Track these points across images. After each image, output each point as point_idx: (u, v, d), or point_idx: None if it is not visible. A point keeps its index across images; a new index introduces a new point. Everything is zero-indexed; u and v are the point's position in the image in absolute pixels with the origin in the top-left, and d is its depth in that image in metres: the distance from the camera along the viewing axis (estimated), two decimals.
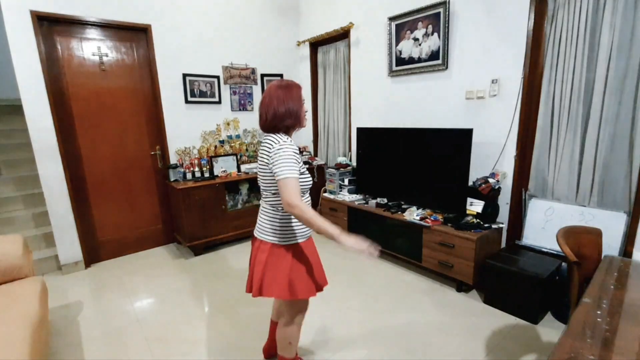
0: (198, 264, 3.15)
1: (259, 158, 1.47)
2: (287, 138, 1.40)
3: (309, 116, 4.39)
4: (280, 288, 1.43)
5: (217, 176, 3.45)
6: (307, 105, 4.38)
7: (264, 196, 1.52)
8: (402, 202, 3.06)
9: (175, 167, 3.37)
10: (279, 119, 1.41)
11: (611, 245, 2.09)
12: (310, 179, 1.51)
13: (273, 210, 1.48)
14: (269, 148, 1.38)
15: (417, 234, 2.67)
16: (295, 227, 1.48)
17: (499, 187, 2.54)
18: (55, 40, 2.83)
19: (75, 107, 2.97)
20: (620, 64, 2.02)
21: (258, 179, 1.51)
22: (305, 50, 4.20)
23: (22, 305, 1.69)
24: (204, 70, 3.59)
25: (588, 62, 2.14)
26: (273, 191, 1.44)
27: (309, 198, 1.54)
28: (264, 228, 1.50)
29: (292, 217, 1.46)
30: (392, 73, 3.23)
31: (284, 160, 1.32)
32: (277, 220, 1.47)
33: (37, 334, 1.55)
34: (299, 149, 4.17)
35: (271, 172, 1.38)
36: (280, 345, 1.62)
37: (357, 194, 3.50)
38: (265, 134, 1.46)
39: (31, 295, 1.81)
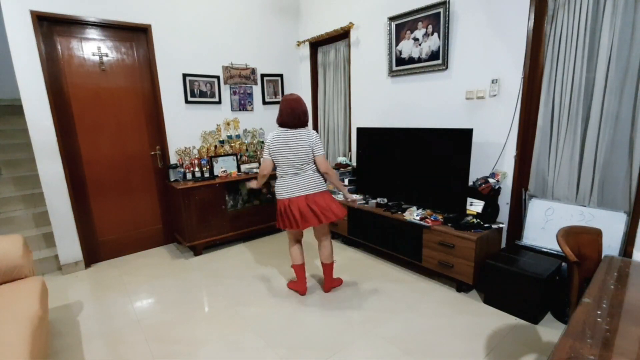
0: (198, 264, 3.15)
1: (296, 145, 2.29)
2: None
3: (308, 116, 4.41)
4: (340, 210, 2.37)
5: (217, 176, 3.45)
6: (307, 105, 4.38)
7: (306, 169, 2.33)
8: (402, 202, 3.06)
9: (175, 167, 3.37)
10: (307, 118, 2.36)
11: (611, 245, 2.09)
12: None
13: (317, 173, 2.38)
14: (310, 136, 2.32)
15: (417, 234, 2.67)
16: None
17: (499, 187, 2.54)
18: (55, 40, 2.83)
19: (75, 107, 2.98)
20: (620, 64, 2.02)
21: (291, 160, 2.29)
22: (305, 50, 4.21)
23: (22, 305, 1.69)
24: (204, 70, 3.59)
25: (588, 62, 2.14)
26: (310, 162, 2.34)
27: None
28: (319, 184, 2.38)
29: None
30: (392, 73, 3.23)
31: (320, 143, 2.36)
32: (321, 178, 2.41)
33: (37, 334, 1.55)
34: None
35: (312, 151, 2.32)
36: (330, 255, 2.54)
37: (357, 194, 3.49)
38: (294, 129, 2.31)
39: (31, 295, 1.81)
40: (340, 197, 3.07)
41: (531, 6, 2.28)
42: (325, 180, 2.44)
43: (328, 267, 2.55)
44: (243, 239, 3.67)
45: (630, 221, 2.07)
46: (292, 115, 2.28)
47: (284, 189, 2.34)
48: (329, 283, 2.59)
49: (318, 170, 2.38)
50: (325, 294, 2.54)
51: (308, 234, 3.28)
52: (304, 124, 2.33)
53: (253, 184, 2.54)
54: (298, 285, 2.55)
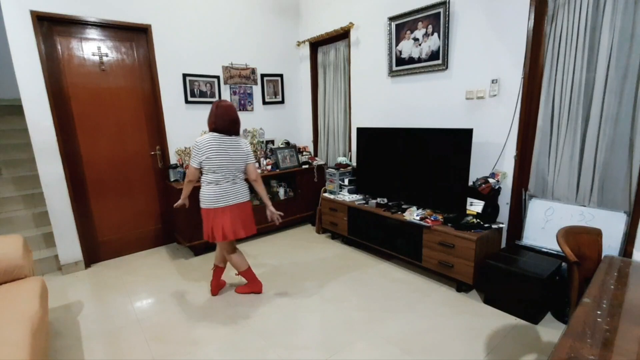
0: (198, 264, 3.15)
1: (234, 152, 2.26)
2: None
3: (308, 116, 4.41)
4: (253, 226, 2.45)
5: None
6: (307, 105, 4.39)
7: (239, 177, 2.32)
8: (402, 202, 3.06)
9: (175, 167, 3.37)
10: (239, 127, 2.36)
11: (611, 245, 2.09)
12: None
13: (246, 182, 2.40)
14: (246, 144, 2.35)
15: (417, 234, 2.67)
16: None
17: (499, 187, 2.54)
18: (55, 40, 2.83)
19: (75, 107, 2.98)
20: (620, 64, 2.02)
21: (228, 167, 2.25)
22: (305, 50, 4.20)
23: (22, 306, 1.69)
24: (204, 70, 3.59)
25: (588, 62, 2.14)
26: (242, 171, 2.34)
27: None
28: (246, 194, 2.38)
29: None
30: (392, 73, 3.23)
31: (251, 151, 2.40)
32: (247, 188, 2.41)
33: (37, 334, 1.55)
34: (299, 149, 4.18)
35: (247, 160, 2.33)
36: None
37: (357, 194, 3.49)
38: (232, 137, 2.28)
39: (31, 295, 1.81)
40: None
41: (531, 6, 2.28)
42: (252, 191, 2.45)
43: (221, 270, 2.57)
44: (242, 238, 3.66)
45: (630, 221, 2.07)
46: (230, 122, 2.24)
47: (216, 197, 2.23)
48: (216, 286, 2.58)
49: (245, 180, 2.40)
50: (325, 294, 2.53)
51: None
52: (234, 133, 2.29)
53: (180, 203, 2.42)
54: (253, 287, 2.54)
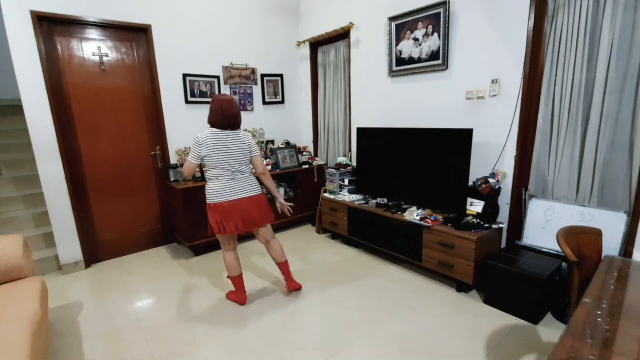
0: (198, 263, 3.15)
1: (234, 146, 2.25)
2: None
3: (308, 116, 4.41)
4: (272, 213, 2.44)
5: None
6: (307, 105, 4.39)
7: (243, 171, 2.30)
8: (402, 202, 3.06)
9: (175, 167, 3.37)
10: (238, 121, 2.31)
11: (611, 245, 2.09)
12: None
13: (252, 175, 2.40)
14: (247, 136, 2.33)
15: (417, 234, 2.67)
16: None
17: (499, 187, 2.54)
18: (55, 40, 2.83)
19: (75, 107, 2.97)
20: (620, 64, 2.02)
21: (229, 161, 2.23)
22: (305, 50, 4.20)
23: (22, 305, 1.69)
24: (204, 70, 3.59)
25: (588, 62, 2.14)
26: (248, 164, 2.34)
27: None
28: (256, 187, 2.36)
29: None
30: (392, 73, 3.23)
31: (255, 144, 2.38)
32: (256, 180, 2.41)
33: (37, 334, 1.55)
34: (299, 148, 4.18)
35: (250, 152, 2.32)
36: (282, 253, 2.50)
37: (357, 194, 3.49)
38: (232, 130, 2.27)
39: (31, 295, 1.81)
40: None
41: (531, 6, 2.28)
42: (261, 183, 2.42)
43: (284, 266, 2.50)
44: (243, 238, 3.66)
45: (630, 221, 2.07)
46: (222, 117, 2.20)
47: (220, 192, 2.22)
48: (291, 283, 2.52)
49: (252, 173, 2.39)
50: (325, 294, 2.53)
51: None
52: (233, 127, 2.26)
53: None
54: (238, 296, 2.43)
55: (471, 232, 2.39)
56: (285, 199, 2.56)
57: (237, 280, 2.41)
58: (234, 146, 2.24)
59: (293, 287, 2.53)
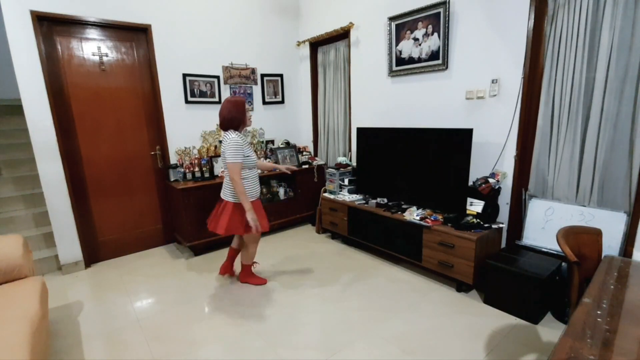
0: (198, 263, 3.15)
1: (223, 147, 2.31)
2: (236, 134, 2.32)
3: (308, 116, 4.41)
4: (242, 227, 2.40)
5: (217, 176, 3.45)
6: (307, 105, 4.39)
7: (244, 174, 2.35)
8: (402, 202, 3.06)
9: (175, 167, 3.37)
10: (231, 124, 2.33)
11: (611, 245, 2.09)
12: (255, 157, 2.43)
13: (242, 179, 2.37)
14: (227, 142, 2.28)
15: (417, 234, 2.67)
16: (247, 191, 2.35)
17: (499, 187, 2.54)
18: (55, 40, 2.83)
19: (75, 107, 2.97)
20: (620, 64, 2.02)
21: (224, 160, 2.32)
22: (305, 50, 4.20)
23: (22, 305, 1.69)
24: (204, 70, 3.59)
25: (588, 62, 2.14)
26: (242, 167, 2.34)
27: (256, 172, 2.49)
28: (250, 192, 2.38)
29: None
30: (392, 73, 3.23)
31: (231, 148, 2.26)
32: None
33: (37, 334, 1.55)
34: (299, 148, 4.19)
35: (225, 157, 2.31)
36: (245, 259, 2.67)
37: (357, 194, 3.49)
38: (226, 132, 2.33)
39: (31, 295, 1.81)
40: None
41: (531, 6, 2.28)
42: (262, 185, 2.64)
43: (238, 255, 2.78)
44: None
45: (630, 221, 2.07)
46: (222, 118, 2.35)
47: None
48: (231, 269, 2.81)
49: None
50: (325, 294, 2.53)
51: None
52: (223, 129, 2.38)
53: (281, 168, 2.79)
54: (261, 279, 2.73)
55: (471, 232, 2.39)
56: (285, 199, 2.63)
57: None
58: (224, 149, 2.36)
59: (228, 272, 2.81)
